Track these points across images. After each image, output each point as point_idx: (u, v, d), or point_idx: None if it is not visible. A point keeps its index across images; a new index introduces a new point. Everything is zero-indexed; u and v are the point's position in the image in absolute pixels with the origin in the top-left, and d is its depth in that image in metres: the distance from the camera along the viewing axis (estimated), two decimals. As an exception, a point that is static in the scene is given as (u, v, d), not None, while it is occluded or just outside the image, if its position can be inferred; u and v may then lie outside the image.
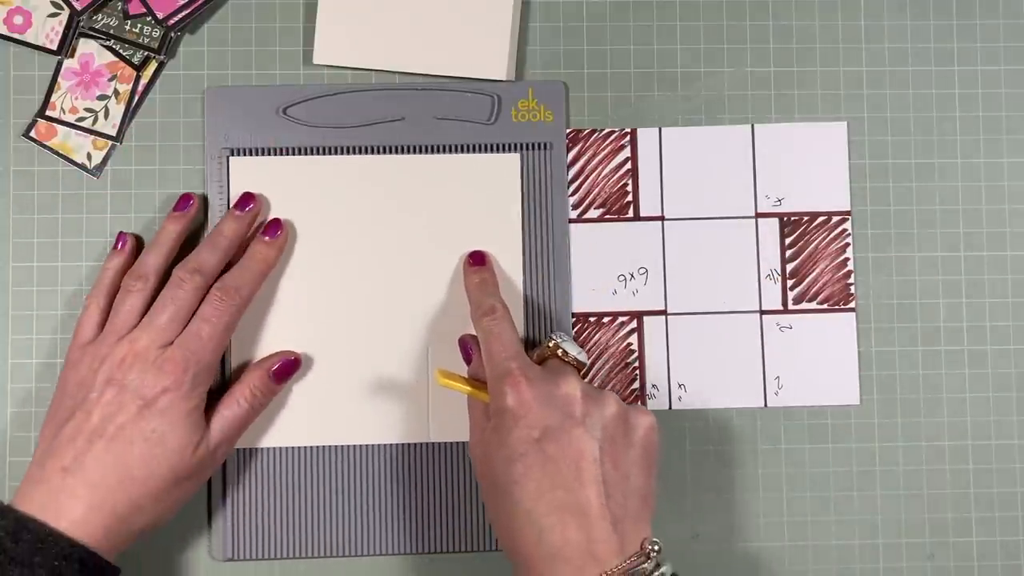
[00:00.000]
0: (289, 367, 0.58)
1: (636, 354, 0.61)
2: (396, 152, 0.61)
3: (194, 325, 0.54)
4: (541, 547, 0.48)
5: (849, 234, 0.62)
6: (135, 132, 0.61)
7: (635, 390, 0.61)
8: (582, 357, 0.56)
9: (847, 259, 0.62)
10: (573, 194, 0.62)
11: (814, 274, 0.62)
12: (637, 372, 0.61)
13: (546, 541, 0.48)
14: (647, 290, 0.62)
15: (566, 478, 0.49)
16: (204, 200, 0.60)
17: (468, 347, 0.58)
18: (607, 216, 0.62)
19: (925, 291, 0.62)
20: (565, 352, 0.56)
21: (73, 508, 0.51)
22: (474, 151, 0.61)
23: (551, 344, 0.56)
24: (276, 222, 0.59)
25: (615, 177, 0.62)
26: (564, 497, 0.49)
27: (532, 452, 0.50)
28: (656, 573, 0.48)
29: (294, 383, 0.60)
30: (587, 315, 0.61)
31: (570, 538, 0.48)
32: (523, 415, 0.51)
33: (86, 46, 0.61)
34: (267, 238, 0.58)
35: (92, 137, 0.61)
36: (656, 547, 0.48)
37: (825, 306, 0.62)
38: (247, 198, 0.59)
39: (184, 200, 0.59)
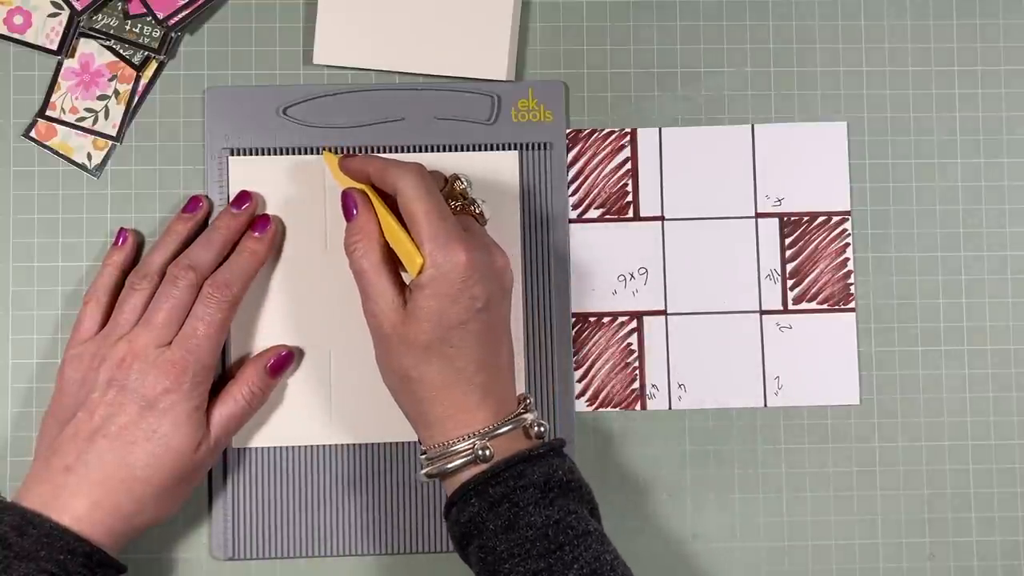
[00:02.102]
0: (284, 361, 0.58)
1: (636, 354, 0.61)
2: (396, 152, 0.61)
3: (190, 324, 0.55)
4: (468, 401, 0.51)
5: (849, 234, 0.62)
6: (135, 132, 0.61)
7: (635, 390, 0.61)
8: (487, 211, 0.56)
9: (847, 259, 0.62)
10: (573, 194, 0.62)
11: (814, 274, 0.62)
12: (637, 372, 0.61)
13: (476, 397, 0.52)
14: (647, 290, 0.62)
15: (498, 344, 0.53)
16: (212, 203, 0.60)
17: (353, 201, 0.55)
18: (607, 216, 0.62)
19: (925, 291, 0.62)
20: (472, 202, 0.56)
21: (76, 506, 0.51)
22: (474, 151, 0.61)
23: (458, 188, 0.56)
24: (265, 217, 0.59)
25: (615, 177, 0.62)
26: (493, 359, 0.53)
27: (473, 320, 0.51)
28: (533, 414, 0.53)
29: (295, 383, 0.60)
30: (587, 315, 0.61)
31: (495, 391, 0.52)
32: (472, 283, 0.51)
33: (86, 46, 0.61)
34: (256, 234, 0.58)
35: (92, 137, 0.61)
36: (527, 398, 0.54)
37: (825, 306, 0.62)
38: (243, 196, 0.59)
39: (194, 202, 0.59)
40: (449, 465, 0.51)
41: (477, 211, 0.56)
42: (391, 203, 0.54)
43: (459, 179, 0.56)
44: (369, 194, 0.55)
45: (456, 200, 0.55)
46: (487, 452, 0.50)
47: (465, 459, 0.51)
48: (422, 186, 0.52)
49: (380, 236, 0.54)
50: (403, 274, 0.54)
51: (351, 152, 0.60)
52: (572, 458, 0.53)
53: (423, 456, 0.53)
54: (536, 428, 0.52)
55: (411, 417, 0.54)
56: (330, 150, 0.60)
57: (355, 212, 0.54)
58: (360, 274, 0.53)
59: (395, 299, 0.52)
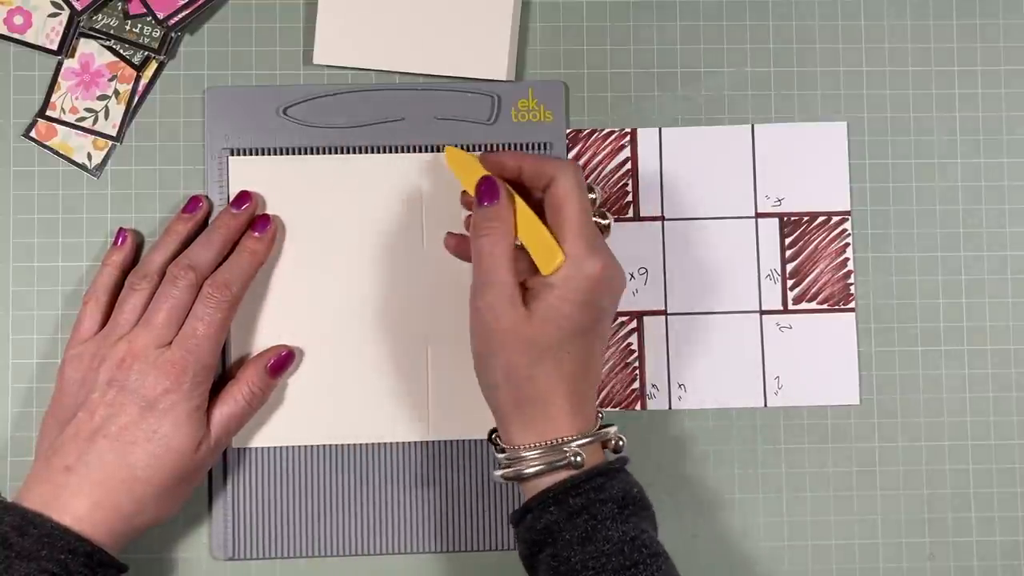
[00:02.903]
0: (284, 361, 0.58)
1: (636, 354, 0.61)
2: (396, 152, 0.61)
3: (189, 324, 0.55)
4: (567, 408, 0.51)
5: (849, 234, 0.62)
6: (135, 132, 0.61)
7: (635, 390, 0.61)
8: (612, 224, 0.56)
9: (847, 259, 0.62)
10: (573, 194, 0.62)
11: (814, 274, 0.62)
12: (637, 372, 0.61)
13: (572, 405, 0.51)
14: (647, 290, 0.62)
15: (597, 359, 0.53)
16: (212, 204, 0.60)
17: (495, 188, 0.53)
18: (607, 216, 0.62)
19: (925, 291, 0.62)
20: (603, 215, 0.55)
21: (77, 506, 0.51)
22: (474, 151, 0.61)
23: (592, 197, 0.54)
24: (265, 217, 0.59)
25: (615, 177, 0.62)
26: (593, 372, 0.53)
27: (593, 330, 0.52)
28: (614, 428, 0.53)
29: (295, 383, 0.60)
30: (587, 315, 0.61)
31: (586, 403, 0.52)
32: (600, 293, 0.51)
33: (86, 46, 0.61)
34: (256, 233, 0.58)
35: (92, 137, 0.61)
36: (600, 413, 0.54)
37: (825, 306, 0.62)
38: (243, 196, 0.59)
39: (194, 202, 0.59)
40: (528, 470, 0.51)
41: (605, 223, 0.55)
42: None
43: (592, 190, 0.55)
44: (507, 188, 0.54)
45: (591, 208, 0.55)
46: (580, 459, 0.50)
47: (550, 464, 0.50)
48: (578, 184, 0.52)
49: (514, 228, 0.53)
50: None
51: (471, 149, 0.60)
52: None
53: (502, 455, 0.52)
54: (615, 442, 0.52)
55: (503, 412, 0.52)
56: (330, 151, 0.60)
57: (495, 198, 0.53)
58: (485, 260, 0.52)
59: (517, 294, 0.51)
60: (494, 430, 0.54)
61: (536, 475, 0.51)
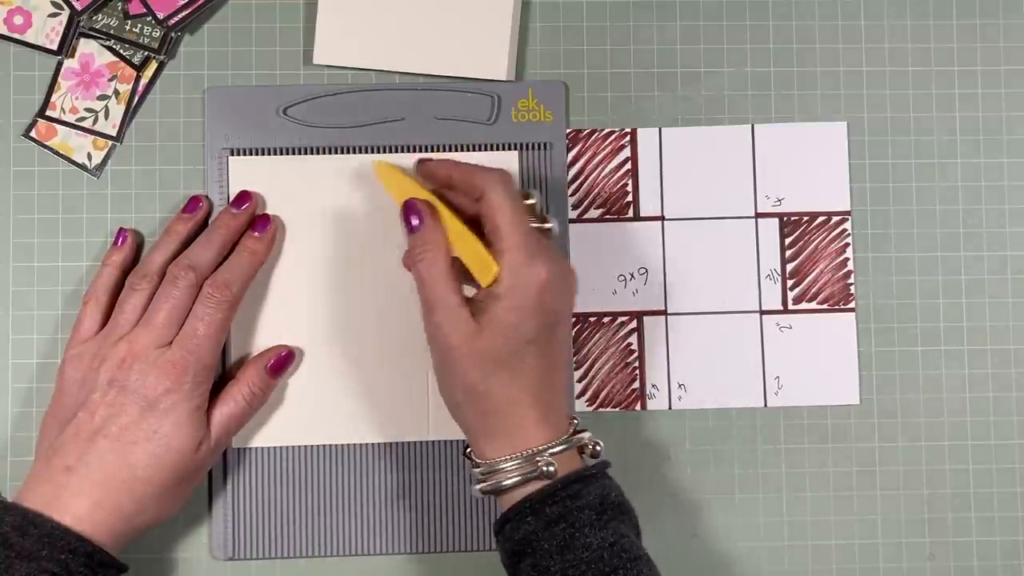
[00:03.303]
0: (284, 361, 0.58)
1: (636, 354, 0.61)
2: (396, 152, 0.61)
3: (190, 324, 0.55)
4: (532, 417, 0.51)
5: (849, 234, 0.62)
6: (135, 132, 0.61)
7: (635, 390, 0.61)
8: (555, 228, 0.55)
9: (847, 259, 0.62)
10: (573, 194, 0.62)
11: (814, 274, 0.62)
12: (637, 372, 0.61)
13: (539, 414, 0.51)
14: (647, 290, 0.62)
15: (558, 364, 0.53)
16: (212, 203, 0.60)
17: (418, 211, 0.53)
18: (607, 216, 0.62)
19: (925, 291, 0.62)
20: (544, 219, 0.55)
21: (78, 506, 0.51)
22: (474, 151, 0.61)
23: (529, 203, 0.54)
24: (265, 217, 0.59)
25: (615, 177, 0.62)
26: (556, 377, 0.53)
27: (545, 337, 0.51)
28: (588, 434, 0.53)
29: (295, 383, 0.60)
30: (587, 315, 0.61)
31: (553, 410, 0.52)
32: (548, 299, 0.51)
33: (86, 46, 0.61)
34: (256, 233, 0.58)
35: (92, 137, 0.61)
36: (575, 419, 0.54)
37: (825, 306, 0.62)
38: (243, 196, 0.59)
39: (194, 202, 0.59)
40: (506, 481, 0.51)
41: (548, 227, 0.55)
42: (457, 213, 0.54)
43: (530, 194, 0.55)
44: (436, 204, 0.54)
45: (529, 215, 0.54)
46: (551, 468, 0.50)
47: (525, 476, 0.50)
48: (509, 195, 0.52)
49: (446, 247, 0.53)
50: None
51: (387, 155, 0.60)
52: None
53: (477, 471, 0.52)
54: (591, 447, 0.52)
55: (471, 429, 0.53)
56: (330, 151, 0.60)
57: (420, 222, 0.53)
58: (426, 285, 0.52)
59: (462, 311, 0.51)
60: (468, 445, 0.54)
61: (512, 487, 0.51)
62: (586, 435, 0.53)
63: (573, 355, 0.61)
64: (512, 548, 0.51)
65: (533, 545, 0.50)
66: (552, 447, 0.51)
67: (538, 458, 0.50)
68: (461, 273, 0.53)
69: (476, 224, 0.53)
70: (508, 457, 0.51)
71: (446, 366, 0.52)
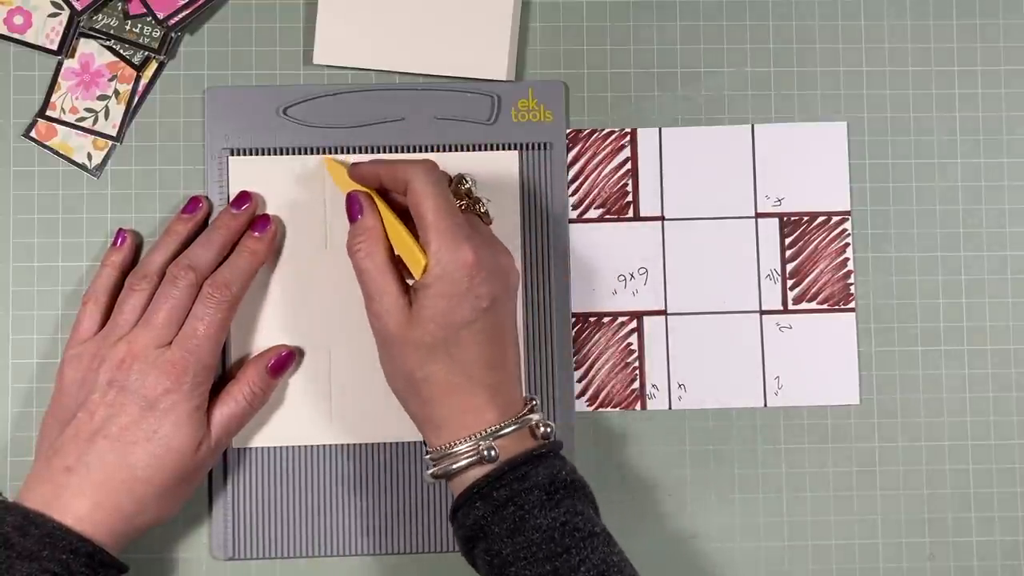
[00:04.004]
0: (285, 361, 0.58)
1: (636, 354, 0.61)
2: (396, 152, 0.61)
3: (190, 324, 0.55)
4: (475, 402, 0.51)
5: (849, 234, 0.62)
6: (135, 132, 0.61)
7: (635, 390, 0.61)
8: (492, 211, 0.56)
9: (847, 259, 0.62)
10: (573, 194, 0.62)
11: (814, 274, 0.62)
12: (637, 372, 0.61)
13: (483, 397, 0.51)
14: (647, 290, 0.62)
15: (504, 344, 0.53)
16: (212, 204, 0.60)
17: (359, 203, 0.55)
18: (607, 216, 0.62)
19: (925, 291, 0.62)
20: (478, 201, 0.56)
21: (78, 506, 0.51)
22: (474, 151, 0.61)
23: (463, 187, 0.56)
24: (265, 217, 0.59)
25: (615, 177, 0.62)
26: (499, 359, 0.52)
27: (480, 320, 0.51)
28: (539, 414, 0.53)
29: (295, 383, 0.60)
30: (587, 315, 0.61)
31: (502, 392, 0.52)
32: (478, 282, 0.51)
33: (86, 46, 0.61)
34: (256, 233, 0.58)
35: (92, 137, 0.61)
36: (533, 400, 0.54)
37: (825, 306, 0.62)
38: (243, 196, 0.59)
39: (193, 203, 0.59)
40: (454, 465, 0.51)
41: (482, 210, 0.56)
42: (397, 210, 0.55)
43: (464, 179, 0.56)
44: (374, 197, 0.55)
45: (461, 199, 0.55)
46: (492, 452, 0.50)
47: (470, 459, 0.51)
48: (431, 182, 0.53)
49: (384, 237, 0.54)
50: (407, 279, 0.54)
51: (347, 155, 0.60)
52: (572, 461, 0.53)
53: (428, 456, 0.53)
54: (542, 428, 0.52)
55: (417, 418, 0.53)
56: (330, 151, 0.60)
57: (359, 214, 0.55)
58: (364, 274, 0.53)
59: (399, 299, 0.52)
60: None
61: (460, 471, 0.51)
62: (535, 416, 0.52)
63: (573, 355, 0.61)
64: (465, 534, 0.51)
65: (485, 530, 0.50)
66: (499, 430, 0.51)
67: (482, 443, 0.51)
68: (402, 266, 0.54)
69: (411, 219, 0.54)
70: (455, 442, 0.51)
71: (386, 354, 0.53)
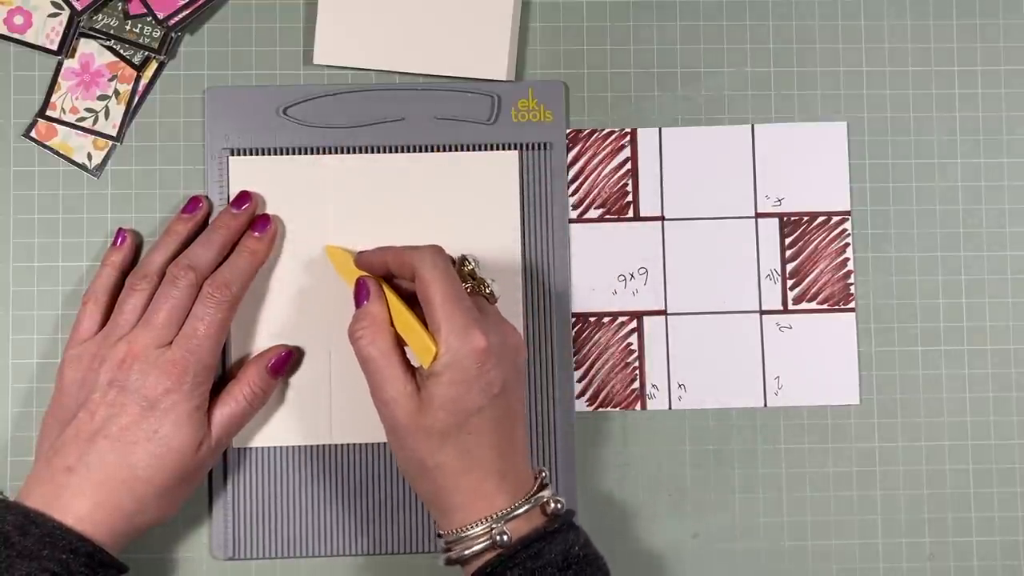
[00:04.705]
0: (284, 361, 0.58)
1: (636, 354, 0.61)
2: (396, 152, 0.61)
3: (190, 324, 0.55)
4: (486, 487, 0.51)
5: (849, 234, 0.62)
6: (135, 132, 0.61)
7: (635, 390, 0.61)
8: (497, 291, 0.55)
9: (847, 259, 0.62)
10: (573, 194, 0.62)
11: (814, 274, 0.62)
12: (637, 372, 0.61)
13: (493, 482, 0.51)
14: (647, 290, 0.62)
15: (513, 426, 0.52)
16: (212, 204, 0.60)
17: (366, 289, 0.54)
18: (607, 216, 0.62)
19: (925, 291, 0.62)
20: (482, 282, 0.55)
21: (78, 506, 0.51)
22: (474, 151, 0.61)
23: (467, 269, 0.55)
24: (265, 217, 0.59)
25: (615, 177, 0.62)
26: (508, 442, 0.52)
27: (490, 406, 0.51)
28: (549, 490, 0.52)
29: (295, 383, 0.60)
30: (587, 315, 0.61)
31: (511, 474, 0.52)
32: (488, 367, 0.51)
33: (86, 46, 0.61)
34: (257, 233, 0.58)
35: (92, 137, 0.61)
36: (542, 472, 0.53)
37: (825, 306, 0.62)
38: (243, 196, 0.59)
39: (193, 203, 0.59)
40: (467, 551, 0.50)
41: (487, 291, 0.55)
42: (403, 297, 0.54)
43: (467, 260, 0.55)
44: (382, 284, 0.55)
45: (466, 281, 0.55)
46: (504, 537, 0.50)
47: (483, 544, 0.50)
48: (439, 267, 0.52)
49: (388, 323, 0.53)
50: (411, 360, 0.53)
51: (345, 244, 0.59)
52: (584, 531, 0.53)
53: (441, 541, 0.52)
54: (553, 505, 0.52)
55: (428, 502, 0.53)
56: (329, 151, 0.60)
57: (365, 300, 0.54)
58: (368, 362, 0.52)
59: (407, 386, 0.51)
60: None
61: (473, 556, 0.51)
62: (545, 493, 0.52)
63: (573, 355, 0.61)
64: None
65: None
66: (511, 512, 0.51)
67: (494, 527, 0.50)
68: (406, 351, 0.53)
69: (420, 306, 0.53)
70: (467, 527, 0.51)
71: (396, 443, 0.53)
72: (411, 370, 0.52)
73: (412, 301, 0.54)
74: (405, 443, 0.52)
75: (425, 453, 0.51)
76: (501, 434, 0.51)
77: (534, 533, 0.50)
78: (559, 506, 0.52)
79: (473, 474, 0.51)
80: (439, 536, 0.52)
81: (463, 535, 0.51)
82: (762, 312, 0.62)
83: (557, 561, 0.50)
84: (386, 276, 0.56)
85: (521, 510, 0.51)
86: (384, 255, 0.55)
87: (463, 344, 0.50)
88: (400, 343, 0.53)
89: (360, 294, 0.54)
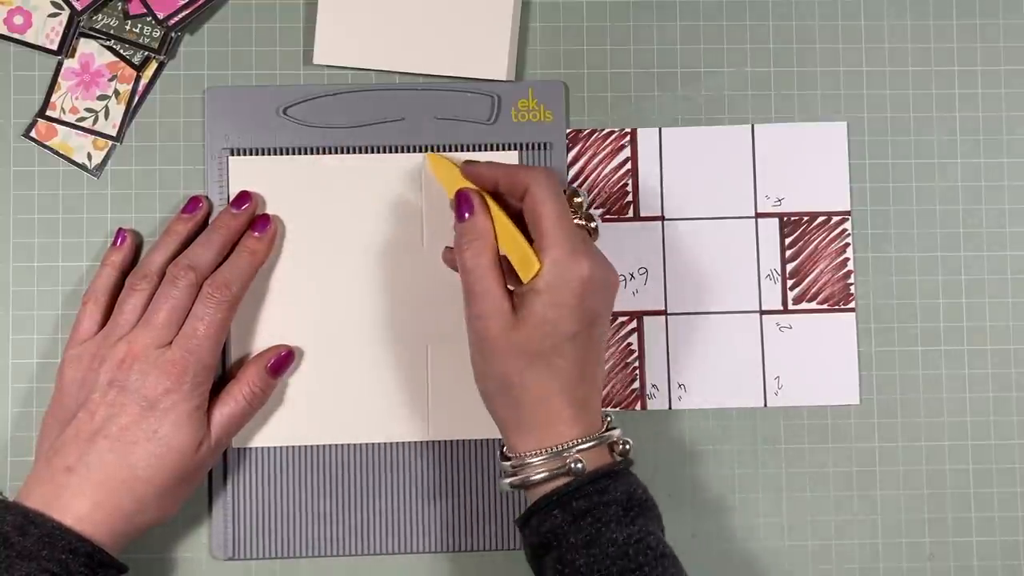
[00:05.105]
0: (284, 361, 0.58)
1: (636, 354, 0.61)
2: (396, 152, 0.61)
3: (190, 324, 0.55)
4: (566, 414, 0.51)
5: (849, 234, 0.62)
6: (135, 132, 0.61)
7: (635, 390, 0.61)
8: (600, 228, 0.56)
9: (847, 259, 0.62)
10: (573, 194, 0.62)
11: (814, 274, 0.62)
12: (637, 372, 0.61)
13: (572, 410, 0.51)
14: (647, 290, 0.62)
15: (597, 360, 0.53)
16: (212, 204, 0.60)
17: (470, 201, 0.54)
18: (607, 216, 0.62)
19: (925, 291, 0.62)
20: (590, 218, 0.55)
21: (78, 506, 0.51)
22: (474, 151, 0.61)
23: (577, 200, 0.55)
24: (265, 217, 0.59)
25: (615, 177, 0.62)
26: (591, 374, 0.52)
27: (584, 333, 0.51)
28: (618, 430, 0.53)
29: (295, 383, 0.60)
30: (587, 315, 0.61)
31: (588, 407, 0.52)
32: (588, 296, 0.51)
33: (86, 46, 0.61)
34: (256, 233, 0.58)
35: (92, 137, 0.61)
36: (609, 416, 0.54)
37: (825, 306, 0.62)
38: (243, 196, 0.59)
39: (193, 203, 0.59)
40: (535, 476, 0.51)
41: (593, 226, 0.55)
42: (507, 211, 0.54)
43: (578, 192, 0.55)
44: (486, 198, 0.54)
45: (575, 213, 0.54)
46: (579, 466, 0.50)
47: (553, 471, 0.50)
48: (553, 190, 0.52)
49: (494, 239, 0.53)
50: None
51: (451, 153, 0.60)
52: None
53: (507, 463, 0.52)
54: (621, 446, 0.52)
55: (504, 422, 0.53)
56: (329, 151, 0.60)
57: (470, 213, 0.54)
58: (470, 273, 0.52)
59: (504, 302, 0.51)
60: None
61: (541, 482, 0.51)
62: (616, 432, 0.52)
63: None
64: (538, 541, 0.51)
65: (559, 538, 0.50)
66: (582, 443, 0.51)
67: (566, 454, 0.50)
68: (506, 269, 0.53)
69: (522, 223, 0.53)
70: (538, 451, 0.51)
71: (483, 356, 0.52)
72: (508, 290, 0.52)
73: (515, 221, 0.54)
74: (492, 357, 0.51)
75: (512, 370, 0.51)
76: (586, 365, 0.52)
77: (603, 469, 0.51)
78: (627, 447, 0.52)
79: (555, 399, 0.51)
80: (506, 459, 0.52)
81: (532, 460, 0.51)
82: (762, 312, 0.62)
83: (622, 500, 0.50)
84: (492, 192, 0.55)
85: (591, 443, 0.51)
86: (495, 170, 0.55)
87: (568, 267, 0.51)
88: (500, 260, 0.53)
89: (462, 206, 0.54)
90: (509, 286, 0.53)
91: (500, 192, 0.55)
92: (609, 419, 0.54)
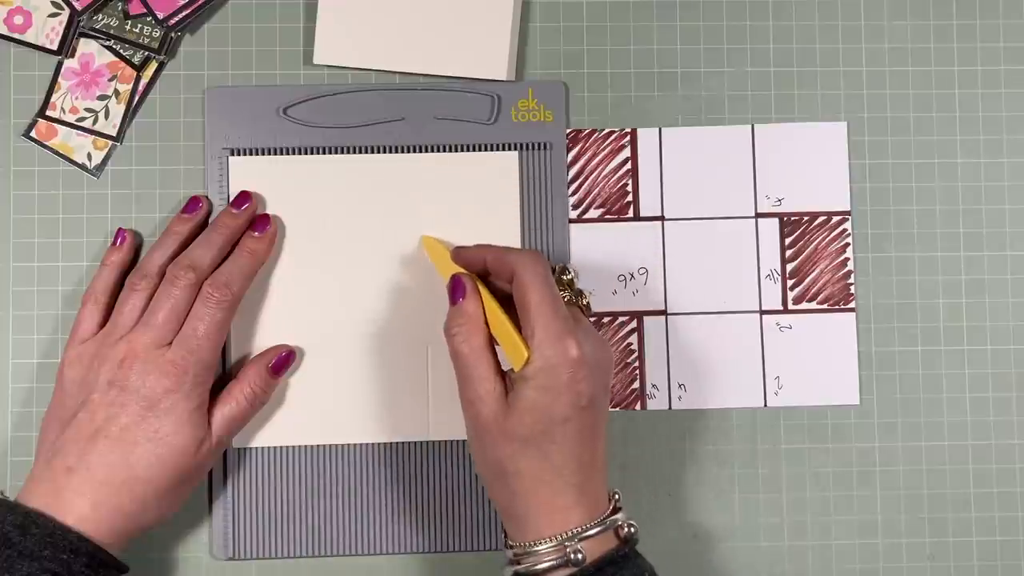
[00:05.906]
0: (285, 361, 0.58)
1: (636, 354, 0.61)
2: (396, 152, 0.61)
3: (190, 324, 0.55)
4: (563, 500, 0.50)
5: (849, 234, 0.62)
6: (135, 132, 0.61)
7: (635, 390, 0.61)
8: (592, 304, 0.55)
9: (847, 259, 0.62)
10: (573, 194, 0.62)
11: (814, 274, 0.62)
12: (637, 372, 0.61)
13: (571, 497, 0.50)
14: (647, 290, 0.62)
15: (595, 442, 0.52)
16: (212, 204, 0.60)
17: (462, 286, 0.54)
18: (607, 216, 0.62)
19: (925, 291, 0.62)
20: (580, 294, 0.55)
21: (79, 506, 0.51)
22: (474, 151, 0.61)
23: (566, 278, 0.55)
24: (265, 217, 0.59)
25: (615, 177, 0.62)
26: (590, 457, 0.51)
27: (577, 418, 0.50)
28: (623, 513, 0.52)
29: (295, 383, 0.60)
30: (587, 315, 0.61)
31: (589, 490, 0.51)
32: (579, 379, 0.50)
33: (86, 46, 0.61)
34: (256, 233, 0.58)
35: (92, 137, 0.61)
36: (616, 494, 0.53)
37: (825, 306, 0.62)
38: (243, 196, 0.59)
39: (193, 203, 0.59)
40: (538, 566, 0.50)
41: (584, 303, 0.55)
42: (497, 297, 0.54)
43: (567, 270, 0.55)
44: (477, 282, 0.55)
45: (563, 290, 0.54)
46: (579, 556, 0.49)
47: (555, 561, 0.50)
48: (539, 273, 0.52)
49: (483, 323, 0.53)
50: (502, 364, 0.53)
51: (442, 237, 0.60)
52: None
53: (510, 552, 0.52)
54: (627, 529, 0.51)
55: (502, 509, 0.52)
56: (330, 151, 0.60)
57: (462, 297, 0.54)
58: (460, 358, 0.52)
59: (496, 387, 0.51)
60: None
61: (545, 572, 0.50)
62: (620, 516, 0.51)
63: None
64: None
65: None
66: (585, 531, 0.50)
67: (567, 544, 0.50)
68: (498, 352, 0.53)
69: (513, 308, 0.53)
70: (540, 540, 0.50)
71: (478, 441, 0.52)
72: (501, 372, 0.52)
73: (505, 303, 0.54)
74: (486, 444, 0.51)
75: (506, 457, 0.51)
76: (583, 448, 0.51)
77: (606, 557, 0.50)
78: (632, 531, 0.51)
79: (552, 485, 0.50)
80: (508, 547, 0.52)
81: (535, 548, 0.50)
82: (762, 312, 0.62)
83: None
84: (481, 274, 0.55)
85: (595, 531, 0.50)
86: (483, 253, 0.55)
87: (557, 352, 0.50)
88: (492, 344, 0.53)
89: (456, 291, 0.54)
90: (504, 368, 0.52)
91: (490, 276, 0.55)
92: (616, 497, 0.52)
